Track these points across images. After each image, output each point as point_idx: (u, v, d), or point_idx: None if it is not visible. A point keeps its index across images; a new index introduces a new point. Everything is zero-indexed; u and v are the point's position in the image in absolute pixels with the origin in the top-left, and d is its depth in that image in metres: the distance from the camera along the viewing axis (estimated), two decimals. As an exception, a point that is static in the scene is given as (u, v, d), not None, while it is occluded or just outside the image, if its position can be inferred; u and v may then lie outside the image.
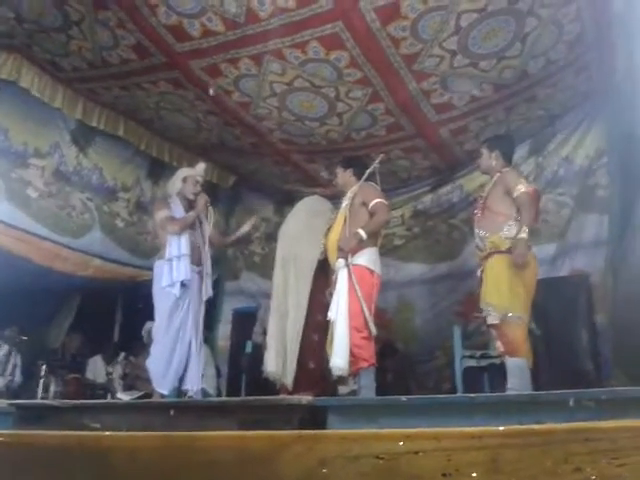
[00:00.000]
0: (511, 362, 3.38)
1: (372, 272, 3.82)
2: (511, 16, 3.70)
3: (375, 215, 3.87)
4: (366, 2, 3.57)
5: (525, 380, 3.31)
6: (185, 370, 4.13)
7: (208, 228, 4.40)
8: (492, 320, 3.44)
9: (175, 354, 4.09)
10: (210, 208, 4.45)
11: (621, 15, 3.38)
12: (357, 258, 3.80)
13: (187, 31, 3.97)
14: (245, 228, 4.72)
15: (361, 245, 3.80)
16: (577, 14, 3.72)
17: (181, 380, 4.13)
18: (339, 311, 3.71)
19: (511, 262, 3.42)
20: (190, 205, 4.37)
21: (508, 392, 3.25)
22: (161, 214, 4.27)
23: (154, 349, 4.17)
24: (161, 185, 6.13)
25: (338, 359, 3.63)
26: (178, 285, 4.08)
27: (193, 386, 4.11)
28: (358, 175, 4.10)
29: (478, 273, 3.70)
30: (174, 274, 4.09)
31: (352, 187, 4.07)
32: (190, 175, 4.42)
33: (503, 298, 3.42)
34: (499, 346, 3.50)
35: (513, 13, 3.68)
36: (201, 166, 4.52)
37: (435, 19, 3.69)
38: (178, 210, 4.30)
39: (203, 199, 4.37)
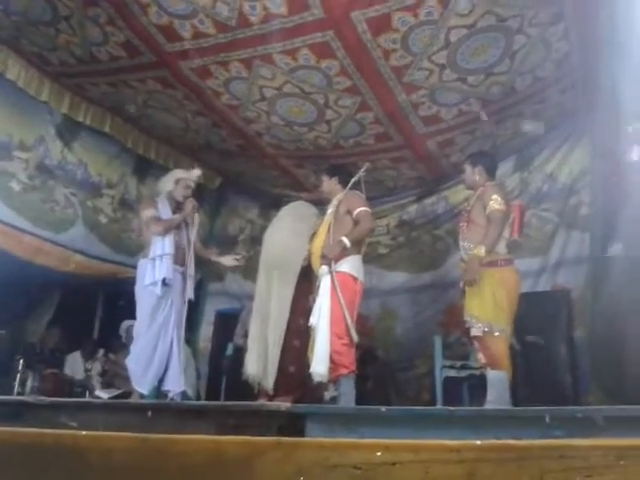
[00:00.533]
0: (492, 375, 3.43)
1: (355, 279, 3.85)
2: (500, 33, 3.76)
3: (359, 223, 3.91)
4: (358, 13, 3.59)
5: (504, 393, 3.35)
6: (166, 371, 4.12)
7: (193, 232, 4.40)
8: (475, 332, 3.48)
9: (156, 353, 4.08)
10: (196, 215, 4.47)
11: (607, 38, 3.45)
12: (340, 265, 3.82)
13: (178, 32, 3.96)
14: (227, 262, 4.70)
15: (345, 253, 3.82)
16: (565, 34, 3.79)
17: (161, 381, 4.12)
18: (321, 317, 3.73)
19: (496, 275, 3.47)
20: (177, 206, 4.37)
21: (487, 404, 3.29)
22: (147, 213, 4.28)
23: (134, 347, 4.15)
24: (147, 183, 6.10)
25: (318, 365, 3.64)
26: (160, 284, 4.08)
27: (175, 387, 4.10)
28: (343, 183, 4.14)
29: (461, 284, 3.73)
30: (156, 273, 4.09)
31: (337, 195, 4.10)
32: (183, 178, 4.44)
33: (487, 310, 3.46)
34: (481, 358, 3.54)
35: (502, 30, 3.73)
36: (196, 172, 4.54)
37: (425, 33, 3.73)
38: (165, 210, 4.30)
39: (191, 204, 4.39)
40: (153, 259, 4.13)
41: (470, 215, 3.77)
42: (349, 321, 3.69)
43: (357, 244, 3.93)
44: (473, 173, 3.88)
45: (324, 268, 3.82)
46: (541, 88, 4.34)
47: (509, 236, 3.66)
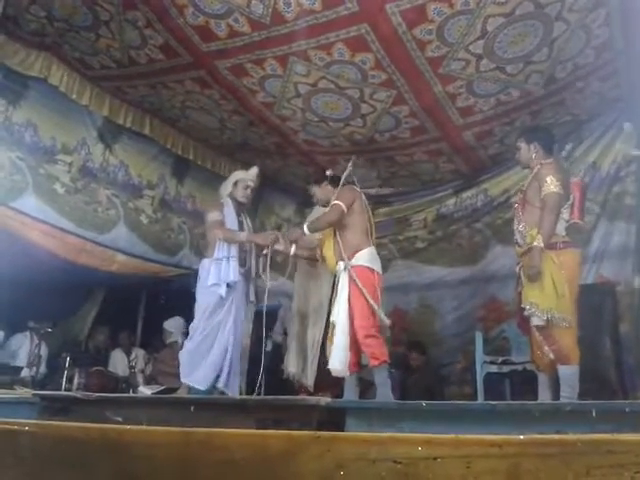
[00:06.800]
0: (563, 370, 3.19)
1: (372, 271, 3.78)
2: (539, 21, 3.67)
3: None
4: (392, 5, 3.56)
5: (576, 388, 3.15)
6: (221, 370, 4.06)
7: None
8: (537, 321, 3.24)
9: (211, 352, 4.01)
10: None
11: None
12: (356, 260, 3.78)
13: (213, 31, 4.00)
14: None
15: (358, 247, 3.80)
16: (606, 20, 3.67)
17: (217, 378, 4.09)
18: (340, 312, 3.69)
19: (554, 258, 3.25)
20: (240, 208, 4.36)
21: (562, 400, 3.10)
22: (212, 216, 4.25)
23: (189, 343, 4.10)
24: (185, 183, 6.22)
25: (335, 361, 3.62)
26: (224, 285, 4.04)
27: (227, 389, 4.03)
28: (334, 184, 4.06)
29: (517, 269, 3.52)
30: (222, 274, 4.05)
31: (332, 198, 4.00)
32: (241, 179, 4.38)
33: (547, 297, 3.21)
34: (547, 352, 3.25)
35: (541, 17, 3.64)
36: (254, 171, 4.44)
37: (461, 23, 3.67)
38: (229, 212, 4.28)
39: (273, 235, 4.25)
40: (218, 260, 4.09)
41: (525, 196, 3.51)
42: (375, 307, 3.61)
43: (366, 235, 3.87)
44: (529, 151, 3.59)
45: (340, 264, 3.80)
46: (581, 76, 4.22)
47: (569, 218, 3.42)
